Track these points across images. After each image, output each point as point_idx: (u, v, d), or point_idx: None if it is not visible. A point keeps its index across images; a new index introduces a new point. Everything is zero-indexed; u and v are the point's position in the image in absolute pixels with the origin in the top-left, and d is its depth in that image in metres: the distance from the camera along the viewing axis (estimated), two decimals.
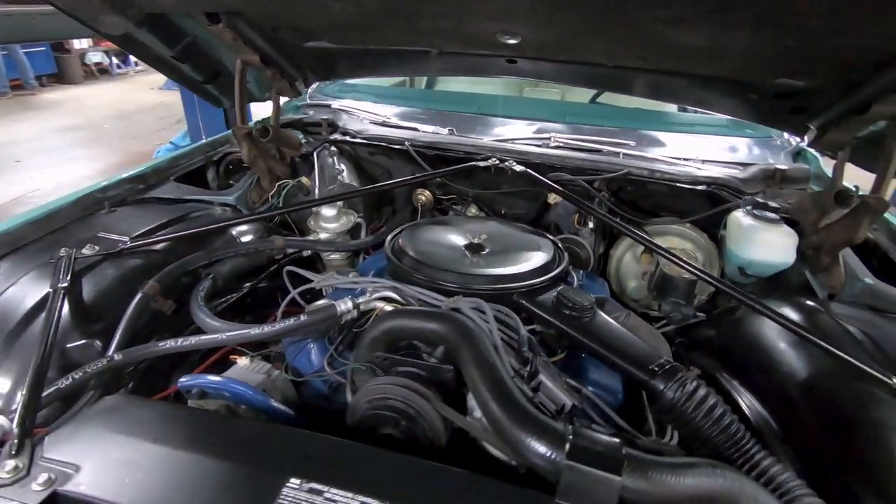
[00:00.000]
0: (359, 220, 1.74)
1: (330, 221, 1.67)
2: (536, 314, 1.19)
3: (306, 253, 1.70)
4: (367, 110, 2.23)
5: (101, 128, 7.87)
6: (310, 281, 1.41)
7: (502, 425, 0.74)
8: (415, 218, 1.90)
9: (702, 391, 0.97)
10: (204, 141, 2.11)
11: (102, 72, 11.51)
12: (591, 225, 1.71)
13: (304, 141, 2.00)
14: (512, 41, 1.33)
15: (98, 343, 1.14)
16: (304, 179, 1.89)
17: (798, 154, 2.03)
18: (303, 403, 1.17)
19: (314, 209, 1.70)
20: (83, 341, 1.13)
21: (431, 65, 1.65)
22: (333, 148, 1.98)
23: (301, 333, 1.17)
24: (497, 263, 1.30)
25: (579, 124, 2.14)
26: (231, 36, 1.47)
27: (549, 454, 0.69)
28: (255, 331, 1.11)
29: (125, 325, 1.15)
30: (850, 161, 1.53)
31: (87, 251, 1.29)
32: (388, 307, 1.24)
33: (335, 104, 2.29)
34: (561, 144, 1.87)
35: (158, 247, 1.39)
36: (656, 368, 1.01)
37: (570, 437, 0.71)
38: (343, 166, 1.91)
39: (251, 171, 1.91)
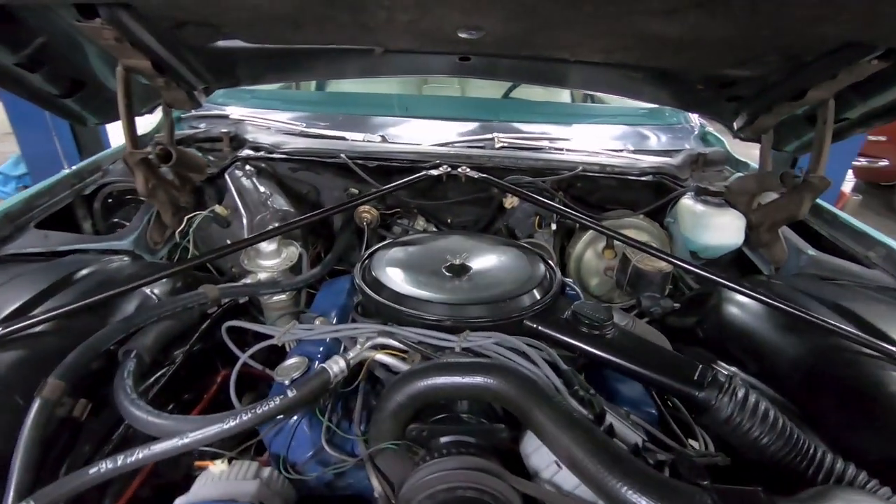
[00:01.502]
0: (301, 250, 1.48)
1: (270, 257, 1.38)
2: (553, 338, 1.08)
3: (242, 300, 1.40)
4: (273, 119, 1.93)
5: None
6: (262, 337, 1.15)
7: (625, 496, 0.61)
8: (360, 239, 1.68)
9: (752, 397, 0.94)
10: (66, 171, 1.64)
11: None
12: (553, 227, 1.65)
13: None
14: (471, 36, 1.19)
15: None
16: (218, 208, 1.56)
17: (703, 137, 2.19)
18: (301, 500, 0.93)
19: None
20: None
21: (369, 65, 1.44)
22: (249, 167, 1.66)
23: (293, 413, 0.92)
24: (491, 286, 1.17)
25: (507, 121, 2.08)
26: (113, 36, 1.12)
27: None
28: (230, 423, 0.84)
29: (23, 456, 0.80)
30: (745, 140, 1.66)
31: None
32: (385, 357, 1.05)
33: (234, 113, 1.94)
34: (506, 145, 1.78)
35: (44, 327, 1.02)
36: (702, 379, 0.96)
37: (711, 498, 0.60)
38: (265, 188, 1.61)
39: (145, 204, 1.53)
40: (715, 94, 1.50)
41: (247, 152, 1.71)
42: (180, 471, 1.12)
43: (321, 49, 1.36)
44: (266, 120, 1.89)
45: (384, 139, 1.80)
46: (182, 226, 1.51)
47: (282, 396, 0.88)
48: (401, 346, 1.05)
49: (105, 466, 0.79)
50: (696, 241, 1.60)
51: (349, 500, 0.97)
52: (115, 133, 1.79)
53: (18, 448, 0.80)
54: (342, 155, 1.61)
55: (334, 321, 1.22)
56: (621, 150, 1.90)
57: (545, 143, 1.84)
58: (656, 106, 2.33)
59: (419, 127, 1.96)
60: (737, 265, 1.75)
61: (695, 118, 2.26)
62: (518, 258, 1.30)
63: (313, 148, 1.66)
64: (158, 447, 0.82)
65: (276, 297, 1.41)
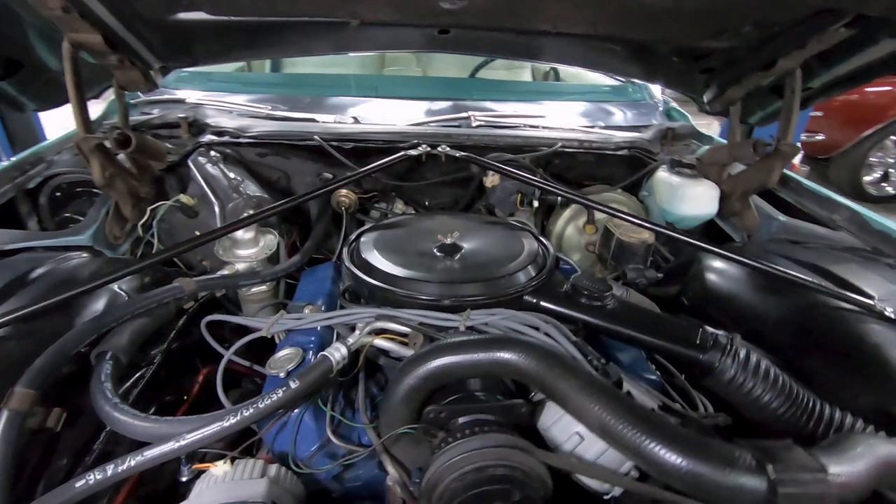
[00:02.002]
0: (279, 239, 1.40)
1: (247, 246, 1.30)
2: (554, 311, 1.07)
3: (219, 293, 1.31)
4: (234, 102, 1.81)
5: None
6: (243, 332, 1.08)
7: (665, 458, 0.61)
8: (338, 224, 1.61)
9: (754, 357, 0.96)
10: (4, 164, 1.48)
11: None
12: (535, 204, 1.64)
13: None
14: (454, 6, 1.14)
15: None
16: (184, 197, 1.45)
17: (668, 113, 2.23)
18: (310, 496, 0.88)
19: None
20: None
21: (341, 40, 1.37)
22: (214, 153, 1.56)
23: (296, 406, 0.87)
24: (487, 263, 1.14)
25: (477, 100, 2.04)
26: (60, 5, 1.00)
27: (756, 485, 0.58)
28: (231, 420, 0.79)
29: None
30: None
31: None
32: (384, 342, 1.01)
33: (190, 97, 1.82)
34: (482, 123, 1.75)
35: (1, 333, 0.91)
36: (704, 342, 0.97)
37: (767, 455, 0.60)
38: (234, 174, 1.51)
39: (101, 196, 1.40)
40: (689, 66, 1.53)
41: (210, 137, 1.60)
42: (165, 479, 1.04)
43: (291, 22, 1.28)
44: (226, 103, 1.77)
45: (356, 121, 1.73)
46: (145, 218, 1.40)
47: (284, 388, 0.83)
48: (401, 329, 1.02)
49: (93, 478, 0.71)
50: (672, 212, 1.63)
51: (358, 492, 0.93)
52: (52, 123, 1.62)
53: None
54: (316, 137, 1.53)
55: (322, 310, 1.16)
56: (593, 127, 1.91)
57: (521, 121, 1.82)
58: (620, 83, 2.36)
59: (390, 107, 1.89)
60: (708, 235, 1.80)
61: (658, 95, 2.30)
62: (508, 235, 1.28)
63: (283, 131, 1.57)
64: (153, 452, 0.75)
65: (255, 289, 1.33)
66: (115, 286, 1.11)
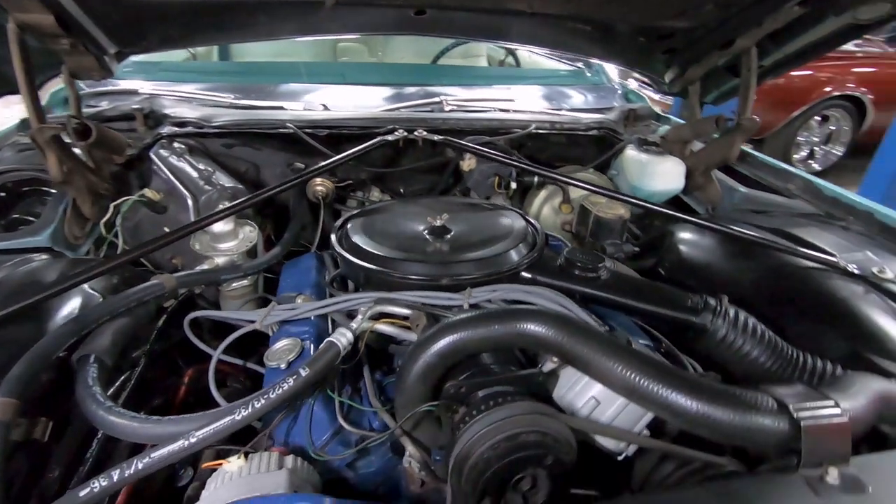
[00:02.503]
0: (257, 230, 1.34)
1: (226, 239, 1.24)
2: (551, 285, 1.08)
3: (198, 290, 1.25)
4: (193, 92, 1.72)
5: None
6: (225, 329, 1.04)
7: (698, 412, 0.63)
8: (314, 215, 1.57)
9: (742, 316, 1.01)
10: None
11: None
12: (514, 186, 1.66)
13: None
14: None
15: None
16: (149, 192, 1.36)
17: (626, 95, 2.31)
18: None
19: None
20: None
21: (312, 22, 1.32)
22: (178, 145, 1.47)
23: (307, 395, 0.84)
24: (480, 243, 1.14)
25: (443, 86, 2.03)
26: None
27: (781, 425, 0.61)
28: (242, 413, 0.75)
29: None
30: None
31: None
32: (385, 326, 0.99)
33: (143, 87, 1.71)
34: (455, 107, 1.74)
35: None
36: (696, 305, 1.02)
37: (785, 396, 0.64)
38: (204, 165, 1.44)
39: (57, 194, 1.29)
40: (652, 47, 1.58)
41: (171, 129, 1.51)
42: (155, 486, 0.98)
43: (260, 3, 1.22)
44: (184, 93, 1.68)
45: (325, 108, 1.68)
46: (108, 215, 1.30)
47: (294, 377, 0.80)
48: (401, 312, 1.00)
49: (99, 484, 0.66)
50: (643, 188, 1.69)
51: (371, 478, 0.91)
52: None
53: None
54: (289, 124, 1.47)
55: (312, 300, 1.13)
56: (560, 110, 1.95)
57: (492, 105, 1.82)
58: (577, 67, 2.43)
59: (357, 94, 1.85)
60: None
61: (616, 78, 2.38)
62: (494, 216, 1.29)
63: (253, 119, 1.50)
64: (160, 454, 0.71)
65: (235, 284, 1.28)
66: (86, 287, 1.03)
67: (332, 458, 0.82)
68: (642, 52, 1.63)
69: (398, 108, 1.71)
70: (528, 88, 2.14)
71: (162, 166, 1.39)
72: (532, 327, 0.75)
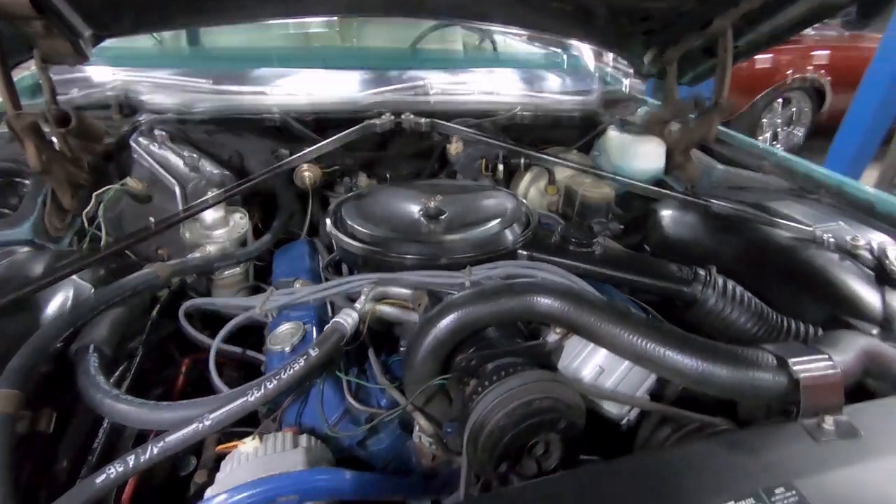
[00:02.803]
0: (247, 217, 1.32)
1: (217, 227, 1.22)
2: (548, 261, 1.10)
3: (189, 279, 1.22)
4: (169, 78, 1.67)
5: None
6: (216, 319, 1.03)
7: (704, 371, 0.66)
8: (303, 202, 1.55)
9: (730, 285, 1.06)
10: None
11: None
12: (501, 168, 1.67)
13: None
14: None
15: None
16: (131, 181, 1.32)
17: (603, 79, 2.35)
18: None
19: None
20: None
21: (291, 5, 1.29)
22: (159, 132, 1.43)
23: (315, 376, 0.84)
24: (475, 223, 1.15)
25: (424, 70, 2.02)
26: None
27: (781, 379, 0.65)
28: (254, 395, 0.75)
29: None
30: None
31: None
32: (387, 308, 1.00)
33: (117, 75, 1.65)
34: (440, 91, 1.74)
35: None
36: (687, 277, 1.06)
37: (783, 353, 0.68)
38: (188, 153, 1.40)
39: (33, 185, 1.24)
40: (633, 28, 1.61)
41: (150, 117, 1.46)
42: (162, 472, 0.97)
43: None
44: (161, 80, 1.62)
45: (309, 93, 1.66)
46: (90, 206, 1.26)
47: (305, 357, 0.80)
48: (402, 292, 1.01)
49: (115, 470, 0.66)
50: (626, 168, 1.73)
51: (380, 456, 0.92)
52: None
53: None
54: (275, 111, 1.45)
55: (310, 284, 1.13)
56: (542, 93, 1.97)
57: (475, 88, 1.83)
58: (554, 51, 2.45)
59: (340, 79, 1.82)
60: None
61: (591, 62, 2.41)
62: (486, 197, 1.30)
63: (237, 106, 1.47)
64: (176, 437, 0.70)
65: (227, 273, 1.26)
66: (76, 278, 1.00)
67: (347, 434, 0.83)
68: (622, 34, 1.66)
69: (383, 93, 1.70)
70: (508, 72, 2.15)
71: (144, 155, 1.35)
72: (542, 300, 0.77)
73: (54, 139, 1.18)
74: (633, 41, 1.71)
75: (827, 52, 5.49)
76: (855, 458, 0.59)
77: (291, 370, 0.78)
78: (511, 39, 2.87)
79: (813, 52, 5.43)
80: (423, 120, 1.48)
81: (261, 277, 1.37)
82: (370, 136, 1.58)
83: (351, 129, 1.38)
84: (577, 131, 1.88)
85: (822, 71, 5.41)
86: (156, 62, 1.79)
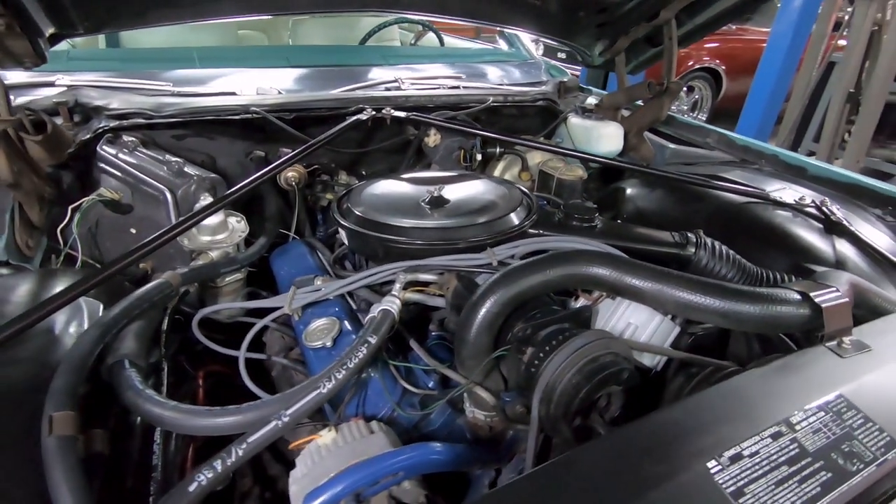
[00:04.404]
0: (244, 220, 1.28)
1: (218, 231, 1.17)
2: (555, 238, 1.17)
3: (192, 288, 1.16)
4: (126, 81, 1.55)
5: None
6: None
7: (745, 310, 0.76)
8: (288, 203, 1.51)
9: (717, 245, 1.19)
10: None
11: None
12: (479, 157, 1.73)
13: None
14: None
15: None
16: (106, 192, 1.23)
17: (549, 70, 2.48)
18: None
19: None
20: None
21: (259, 1, 1.25)
22: (128, 138, 1.33)
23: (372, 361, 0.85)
24: (484, 207, 1.20)
25: (382, 66, 2.03)
26: None
27: (807, 311, 0.75)
28: (326, 386, 0.75)
29: None
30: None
31: None
32: (414, 295, 1.02)
33: (62, 79, 1.51)
34: (412, 86, 1.76)
35: None
36: (682, 240, 1.17)
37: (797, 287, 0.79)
38: (168, 157, 1.32)
39: (3, 201, 1.12)
40: (589, 20, 1.73)
41: (109, 122, 1.36)
42: None
43: None
44: (118, 83, 1.51)
45: (280, 92, 1.61)
46: (66, 220, 1.16)
47: (365, 345, 0.81)
48: (430, 279, 1.04)
49: (205, 477, 0.64)
50: (590, 151, 1.85)
51: (433, 436, 0.94)
52: None
53: None
54: (255, 109, 1.40)
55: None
56: (501, 85, 2.05)
57: (442, 83, 1.87)
58: (497, 47, 2.57)
59: (310, 76, 1.79)
60: (605, 169, 2.07)
61: (538, 55, 2.54)
62: (482, 183, 1.35)
63: (210, 107, 1.40)
64: (257, 437, 0.69)
65: (229, 278, 1.21)
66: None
67: (414, 413, 0.84)
68: (577, 26, 1.78)
69: (356, 89, 1.69)
70: (466, 66, 2.21)
71: (118, 163, 1.26)
72: (592, 266, 0.83)
73: (27, 148, 1.07)
74: (587, 33, 1.84)
75: (717, 43, 6.11)
76: (874, 366, 0.70)
77: (357, 357, 0.79)
78: (454, 38, 2.95)
79: (707, 45, 6.01)
80: (404, 114, 1.49)
81: (251, 283, 1.33)
82: (352, 132, 1.57)
83: (339, 127, 1.37)
84: (539, 119, 1.97)
85: (718, 60, 6.01)
86: (100, 64, 1.65)
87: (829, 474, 0.54)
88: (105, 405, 0.76)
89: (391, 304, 0.91)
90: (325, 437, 0.74)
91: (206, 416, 0.73)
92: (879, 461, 0.56)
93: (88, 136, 1.32)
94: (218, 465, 0.65)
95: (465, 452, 0.78)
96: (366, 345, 0.81)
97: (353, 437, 0.74)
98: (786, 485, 0.53)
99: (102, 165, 1.30)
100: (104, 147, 1.31)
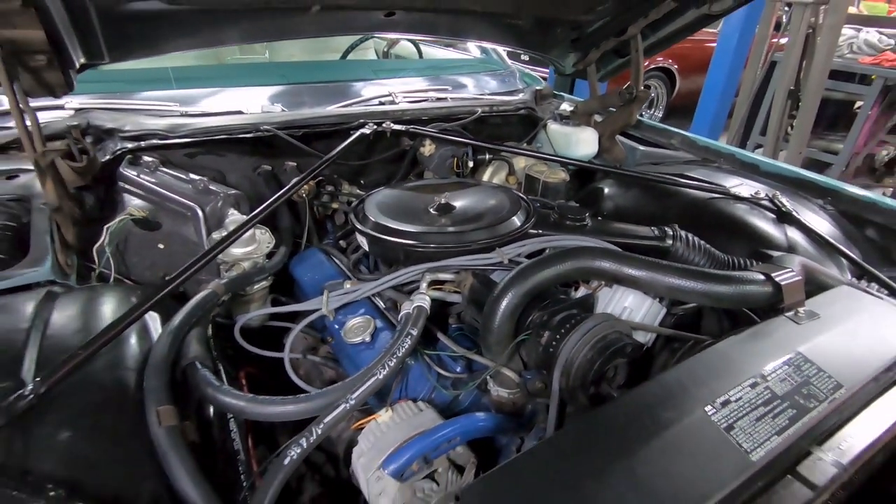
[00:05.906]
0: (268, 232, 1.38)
1: (248, 243, 1.27)
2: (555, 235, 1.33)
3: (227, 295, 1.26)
4: (133, 103, 1.62)
5: None
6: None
7: (721, 290, 0.93)
8: (295, 214, 1.62)
9: (690, 236, 1.37)
10: None
11: None
12: (471, 165, 1.87)
13: None
14: None
15: None
16: (135, 210, 1.31)
17: (523, 79, 2.65)
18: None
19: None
20: None
21: (293, 25, 1.36)
22: (149, 158, 1.41)
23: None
24: (488, 212, 1.34)
25: (368, 80, 2.15)
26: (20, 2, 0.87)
27: (769, 289, 0.93)
28: (382, 372, 0.88)
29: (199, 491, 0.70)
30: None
31: None
32: (435, 293, 1.16)
33: (70, 102, 1.56)
34: (405, 99, 1.89)
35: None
36: (661, 234, 1.35)
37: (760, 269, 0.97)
38: (192, 175, 1.41)
39: (36, 223, 1.19)
40: (565, 36, 1.90)
41: (126, 144, 1.43)
42: None
43: (245, 9, 1.25)
44: (126, 104, 1.57)
45: (283, 109, 1.71)
46: (102, 239, 1.23)
47: (409, 336, 0.94)
48: (448, 277, 1.17)
49: (295, 452, 0.76)
50: (569, 155, 2.03)
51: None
52: None
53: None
54: (267, 127, 1.50)
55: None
56: (483, 95, 2.20)
57: (430, 95, 2.00)
58: (475, 57, 2.72)
59: (307, 92, 1.89)
60: (581, 171, 2.26)
61: (510, 64, 2.70)
62: (482, 191, 1.49)
63: (222, 125, 1.49)
64: (331, 417, 0.81)
65: (258, 286, 1.31)
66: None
67: (455, 392, 0.98)
68: (554, 41, 1.95)
69: (355, 104, 1.80)
70: (449, 78, 2.35)
71: (143, 182, 1.34)
72: (597, 260, 0.99)
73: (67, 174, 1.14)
74: (562, 47, 2.01)
75: None
76: (823, 329, 0.89)
77: (403, 347, 0.92)
78: (428, 47, 3.09)
79: None
80: (403, 127, 1.62)
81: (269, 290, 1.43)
82: (355, 145, 1.69)
83: (350, 139, 1.49)
84: (521, 127, 2.14)
85: (671, 60, 6.36)
86: (99, 86, 1.70)
87: (794, 410, 0.71)
88: (185, 401, 0.86)
89: (423, 300, 1.04)
90: (384, 416, 0.87)
91: (281, 405, 0.84)
92: (830, 399, 0.74)
93: (108, 157, 1.39)
94: (304, 441, 0.77)
95: (502, 420, 0.92)
96: (409, 337, 0.94)
97: (407, 414, 0.87)
98: (763, 419, 0.69)
99: (125, 185, 1.38)
100: (126, 168, 1.38)
